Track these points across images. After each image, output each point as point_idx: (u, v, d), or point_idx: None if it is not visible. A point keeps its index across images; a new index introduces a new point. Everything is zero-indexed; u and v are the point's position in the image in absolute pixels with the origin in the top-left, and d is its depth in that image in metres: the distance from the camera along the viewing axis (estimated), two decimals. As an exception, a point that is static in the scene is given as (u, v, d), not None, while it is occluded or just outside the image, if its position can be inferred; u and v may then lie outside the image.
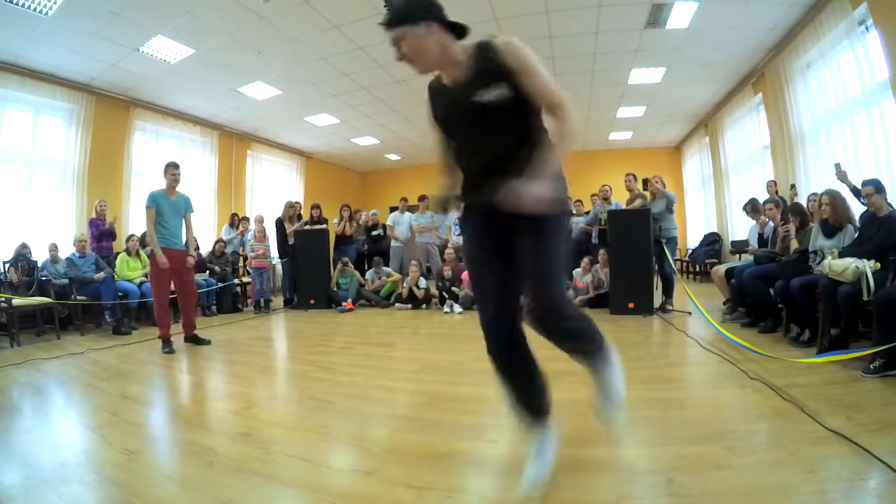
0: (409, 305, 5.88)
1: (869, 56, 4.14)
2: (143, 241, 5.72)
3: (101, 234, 5.51)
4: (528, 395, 1.46)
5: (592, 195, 6.54)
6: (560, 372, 2.80)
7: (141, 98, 6.67)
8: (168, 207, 3.74)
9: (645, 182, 5.16)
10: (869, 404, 1.95)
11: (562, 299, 1.33)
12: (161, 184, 3.87)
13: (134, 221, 6.47)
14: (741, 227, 6.47)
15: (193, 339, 3.85)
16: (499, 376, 1.43)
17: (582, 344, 1.43)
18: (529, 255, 1.29)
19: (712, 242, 8.17)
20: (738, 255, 6.07)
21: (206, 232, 7.42)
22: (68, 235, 5.57)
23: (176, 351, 3.63)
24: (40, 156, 5.74)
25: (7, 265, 4.72)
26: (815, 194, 3.74)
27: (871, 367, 2.35)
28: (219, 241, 6.71)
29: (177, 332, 3.92)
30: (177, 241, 3.79)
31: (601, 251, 5.39)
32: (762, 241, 4.49)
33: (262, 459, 1.66)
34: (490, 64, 1.30)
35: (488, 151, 1.34)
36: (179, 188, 3.92)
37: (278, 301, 6.90)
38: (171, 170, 3.82)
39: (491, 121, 1.31)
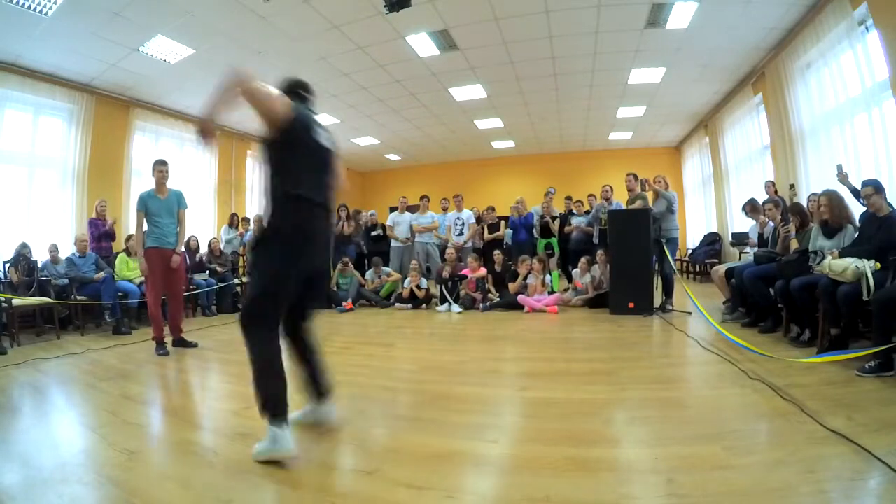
0: (409, 305, 5.87)
1: (869, 56, 4.14)
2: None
3: (101, 234, 5.51)
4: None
5: (589, 195, 6.54)
6: (560, 372, 2.81)
7: (141, 98, 6.68)
8: (158, 206, 3.67)
9: (643, 183, 5.15)
10: (869, 404, 1.95)
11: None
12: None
13: (134, 221, 6.46)
14: (741, 228, 6.47)
15: (181, 343, 3.79)
16: None
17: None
18: None
19: (712, 242, 8.18)
20: (737, 250, 6.04)
21: (206, 232, 7.42)
22: (68, 235, 5.57)
23: (170, 353, 3.57)
24: (40, 156, 5.75)
25: (7, 265, 4.72)
26: (815, 194, 3.74)
27: (867, 366, 2.35)
28: (213, 239, 6.70)
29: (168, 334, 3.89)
30: (170, 241, 3.71)
31: (599, 251, 5.39)
32: (762, 241, 4.50)
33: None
34: None
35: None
36: (174, 185, 3.90)
37: (278, 301, 6.88)
38: (159, 166, 3.75)
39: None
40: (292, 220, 1.70)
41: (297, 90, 1.93)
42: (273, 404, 1.64)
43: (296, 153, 1.74)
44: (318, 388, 1.94)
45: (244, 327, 1.69)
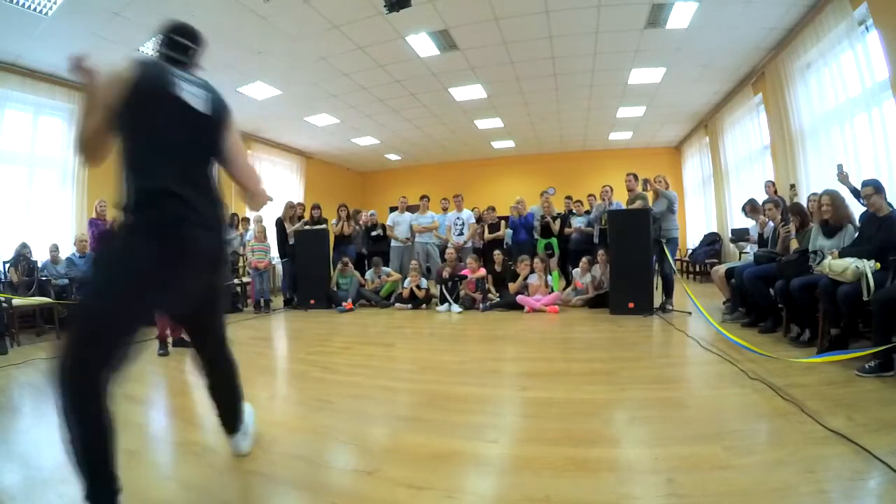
0: (409, 305, 5.87)
1: (869, 56, 4.13)
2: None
3: (101, 234, 5.50)
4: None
5: (589, 195, 6.54)
6: (560, 372, 2.81)
7: (141, 98, 6.67)
8: None
9: (645, 182, 5.15)
10: (869, 404, 1.96)
11: None
12: None
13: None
14: (741, 227, 6.46)
15: (181, 342, 3.80)
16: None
17: None
18: None
19: (712, 242, 8.17)
20: (737, 248, 6.02)
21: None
22: (68, 235, 5.57)
23: (169, 353, 3.58)
24: (40, 156, 5.74)
25: (7, 265, 4.72)
26: (815, 194, 3.74)
27: (867, 366, 2.35)
28: None
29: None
30: None
31: (600, 251, 5.39)
32: (762, 241, 4.50)
33: (262, 459, 1.66)
34: None
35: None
36: None
37: (278, 301, 6.90)
38: None
39: None
40: (135, 229, 1.22)
41: (171, 37, 1.47)
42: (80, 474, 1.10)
43: (138, 131, 1.24)
44: (222, 421, 1.65)
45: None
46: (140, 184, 1.21)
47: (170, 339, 3.72)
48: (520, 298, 5.31)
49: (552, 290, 5.45)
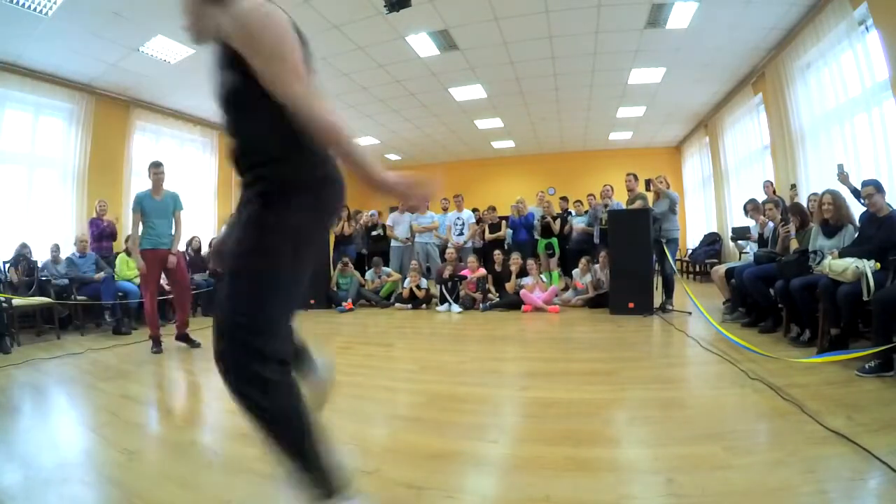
0: (409, 305, 5.87)
1: (869, 56, 4.14)
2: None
3: (101, 234, 5.51)
4: None
5: (589, 195, 6.53)
6: (560, 372, 2.81)
7: (141, 98, 6.68)
8: (154, 208, 3.68)
9: (648, 182, 5.14)
10: (869, 404, 1.95)
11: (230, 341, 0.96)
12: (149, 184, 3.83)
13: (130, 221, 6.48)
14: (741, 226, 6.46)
15: (185, 339, 3.81)
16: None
17: (263, 433, 1.01)
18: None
19: (712, 242, 8.18)
20: (737, 248, 6.05)
21: (206, 231, 7.42)
22: (69, 235, 5.57)
23: (164, 351, 3.59)
24: (40, 156, 5.75)
25: (7, 265, 4.72)
26: (815, 194, 3.74)
27: (867, 366, 2.35)
28: (214, 239, 6.70)
29: (168, 333, 3.88)
30: (165, 242, 3.72)
31: (601, 252, 5.39)
32: (762, 241, 4.50)
33: (262, 459, 1.65)
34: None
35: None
36: (170, 186, 3.89)
37: (278, 301, 6.88)
38: (153, 169, 3.76)
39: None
40: (330, 186, 1.04)
41: None
42: (330, 478, 1.05)
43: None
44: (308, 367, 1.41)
45: (241, 379, 0.95)
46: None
47: (165, 339, 3.73)
48: (523, 293, 5.29)
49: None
